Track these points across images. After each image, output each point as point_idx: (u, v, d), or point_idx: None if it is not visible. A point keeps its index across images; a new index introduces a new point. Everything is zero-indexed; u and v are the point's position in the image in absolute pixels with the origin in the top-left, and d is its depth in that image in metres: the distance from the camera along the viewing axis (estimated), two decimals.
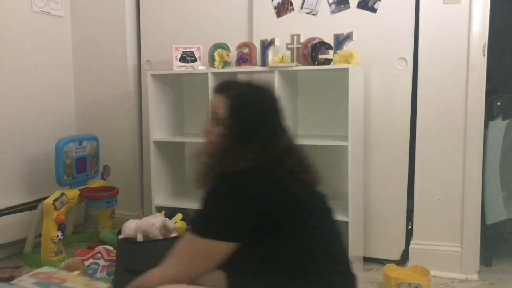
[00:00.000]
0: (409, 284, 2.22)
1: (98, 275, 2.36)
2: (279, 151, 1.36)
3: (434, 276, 2.40)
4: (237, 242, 1.27)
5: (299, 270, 1.27)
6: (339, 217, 2.27)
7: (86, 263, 2.41)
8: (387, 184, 2.58)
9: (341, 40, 2.32)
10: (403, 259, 2.59)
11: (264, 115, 1.39)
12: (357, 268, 2.45)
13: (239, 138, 1.35)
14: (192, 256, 1.31)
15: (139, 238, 2.14)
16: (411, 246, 2.56)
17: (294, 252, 1.28)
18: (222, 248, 1.28)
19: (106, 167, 2.99)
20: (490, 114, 2.50)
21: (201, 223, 1.32)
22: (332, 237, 1.38)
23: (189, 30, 2.92)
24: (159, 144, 2.69)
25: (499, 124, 2.53)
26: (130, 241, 2.15)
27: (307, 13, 2.64)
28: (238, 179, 1.30)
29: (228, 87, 1.44)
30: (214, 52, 2.55)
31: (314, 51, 2.31)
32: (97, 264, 2.43)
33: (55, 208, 2.59)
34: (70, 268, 2.16)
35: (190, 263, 1.31)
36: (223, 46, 2.55)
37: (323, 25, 2.56)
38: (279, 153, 1.36)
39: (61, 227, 2.61)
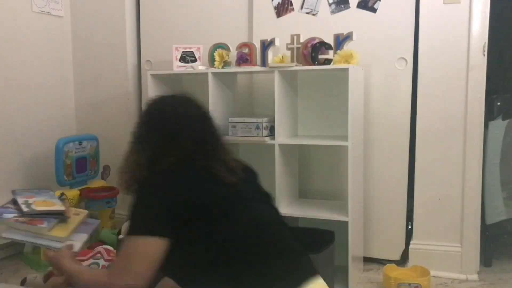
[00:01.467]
0: (409, 284, 2.22)
1: None
2: (186, 151, 1.44)
3: (434, 276, 2.40)
4: (161, 236, 1.30)
5: (229, 264, 1.28)
6: (339, 217, 2.28)
7: (86, 263, 2.40)
8: (387, 184, 2.58)
9: (341, 40, 2.32)
10: (403, 259, 2.59)
11: (166, 118, 1.52)
12: (357, 268, 2.45)
13: (140, 142, 1.49)
14: (128, 258, 1.32)
15: None
16: (411, 246, 2.57)
17: (218, 248, 1.29)
18: (152, 245, 1.30)
19: (106, 167, 2.98)
20: (490, 114, 2.50)
21: (129, 227, 1.36)
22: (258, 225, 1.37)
23: (189, 30, 2.92)
24: None
25: (499, 124, 2.53)
26: None
27: (307, 13, 2.64)
28: (150, 185, 1.39)
29: (146, 103, 1.59)
30: (214, 52, 2.55)
31: (314, 51, 2.31)
32: (97, 264, 2.42)
33: None
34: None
35: (128, 267, 1.32)
36: (223, 46, 2.55)
37: (323, 25, 2.56)
38: (187, 153, 1.43)
39: None
